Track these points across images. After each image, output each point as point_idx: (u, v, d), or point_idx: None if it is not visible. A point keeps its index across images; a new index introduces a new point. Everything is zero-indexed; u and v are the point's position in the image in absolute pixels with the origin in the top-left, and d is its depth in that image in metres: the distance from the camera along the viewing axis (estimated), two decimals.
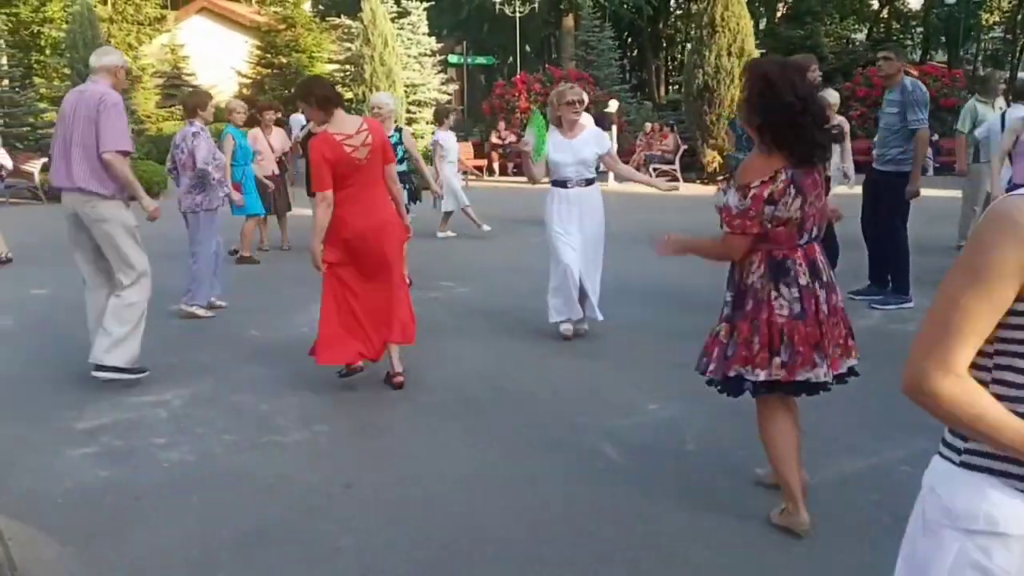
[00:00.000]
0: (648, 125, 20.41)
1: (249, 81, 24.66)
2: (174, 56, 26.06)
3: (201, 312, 6.85)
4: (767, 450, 3.30)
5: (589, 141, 5.93)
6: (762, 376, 3.08)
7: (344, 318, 4.94)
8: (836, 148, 9.63)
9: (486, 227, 11.31)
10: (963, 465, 1.52)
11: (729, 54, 16.86)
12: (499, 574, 3.09)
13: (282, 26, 24.72)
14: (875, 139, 7.05)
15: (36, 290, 8.20)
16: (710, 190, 15.84)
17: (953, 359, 1.44)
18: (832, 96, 6.96)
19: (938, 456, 1.57)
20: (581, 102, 5.89)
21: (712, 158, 17.63)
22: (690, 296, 6.91)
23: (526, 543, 3.27)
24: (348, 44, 22.80)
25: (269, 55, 24.37)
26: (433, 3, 24.57)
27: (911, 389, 1.48)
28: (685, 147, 18.71)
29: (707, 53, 16.88)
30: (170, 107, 23.14)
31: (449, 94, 24.50)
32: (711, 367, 3.21)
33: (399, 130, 8.11)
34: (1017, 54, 36.89)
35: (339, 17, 25.21)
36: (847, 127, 6.81)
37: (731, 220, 3.04)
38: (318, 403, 4.87)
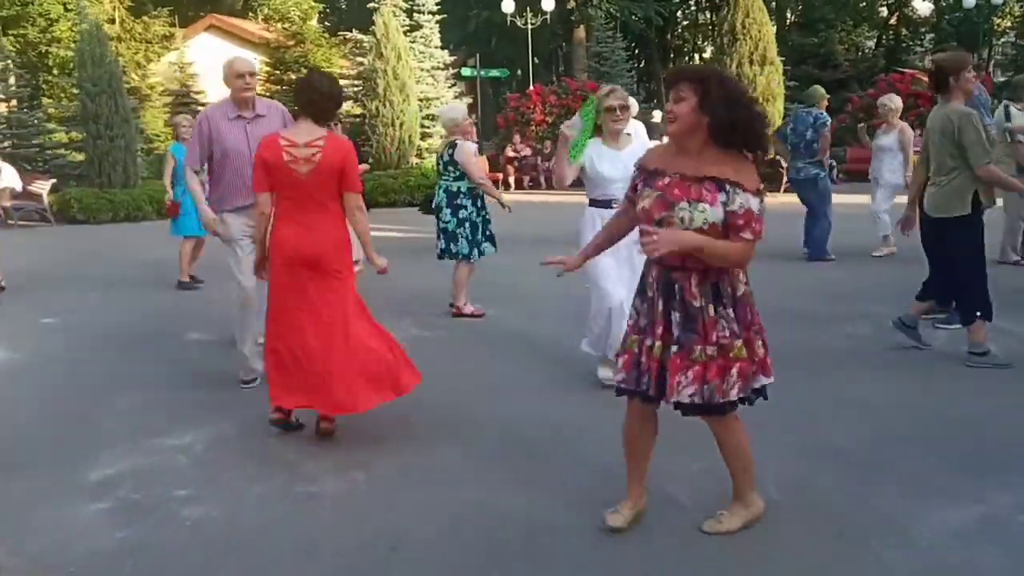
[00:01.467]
0: (665, 137, 20.05)
1: None
2: (183, 74, 25.83)
3: None
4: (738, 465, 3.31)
5: (639, 155, 5.25)
6: (764, 381, 3.16)
7: (287, 350, 4.39)
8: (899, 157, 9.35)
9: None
10: None
11: (751, 62, 16.51)
12: None
13: (291, 42, 24.51)
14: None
15: (46, 319, 7.84)
16: None
17: None
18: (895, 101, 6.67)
19: None
20: (625, 107, 5.00)
21: None
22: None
23: None
24: (360, 59, 22.50)
25: (278, 71, 24.13)
26: (442, 18, 24.28)
27: None
28: None
29: (728, 62, 16.53)
30: None
31: None
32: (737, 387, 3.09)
33: (454, 145, 7.34)
34: None
35: (350, 32, 24.94)
36: (910, 133, 6.50)
37: (759, 226, 2.99)
38: (352, 444, 4.44)
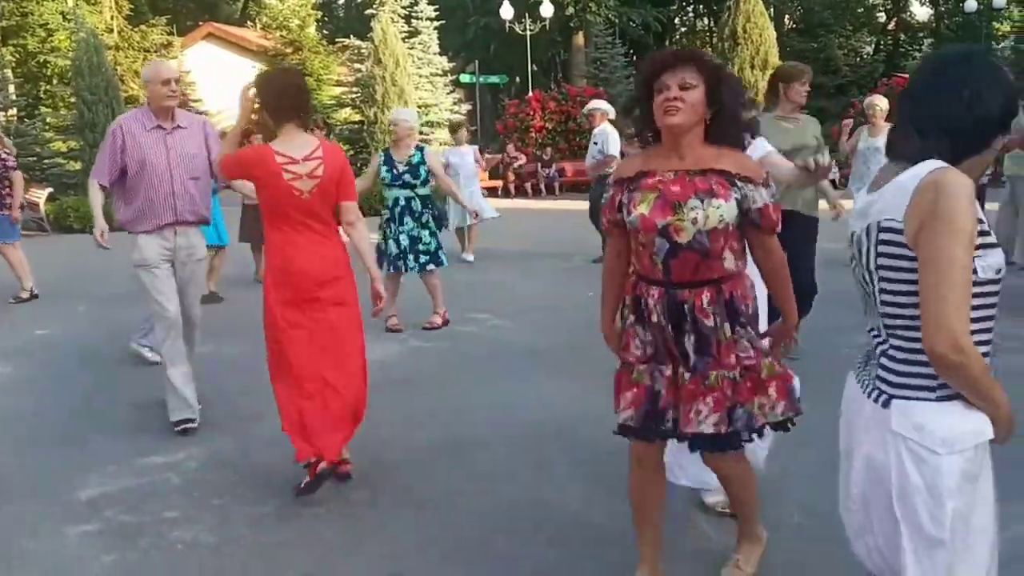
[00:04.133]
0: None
1: (257, 106, 24.22)
2: (181, 82, 25.66)
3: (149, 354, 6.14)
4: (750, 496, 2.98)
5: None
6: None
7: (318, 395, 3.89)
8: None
9: (470, 257, 10.90)
10: (940, 399, 1.79)
11: (752, 66, 16.40)
12: None
13: (289, 50, 24.41)
14: None
15: (40, 330, 7.67)
16: None
17: (967, 317, 1.70)
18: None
19: (905, 401, 1.82)
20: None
21: None
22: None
23: None
24: (358, 65, 22.39)
25: None
26: (440, 24, 24.20)
27: (947, 349, 1.68)
28: None
29: (730, 67, 16.41)
30: None
31: (462, 114, 24.07)
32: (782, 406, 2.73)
33: (421, 149, 7.10)
34: None
35: (348, 38, 24.84)
36: None
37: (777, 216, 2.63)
38: (353, 464, 4.26)
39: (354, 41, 23.64)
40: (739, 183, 2.56)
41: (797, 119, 5.60)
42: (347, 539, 3.53)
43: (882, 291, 1.87)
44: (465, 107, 25.27)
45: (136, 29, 25.88)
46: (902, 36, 41.24)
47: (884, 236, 1.82)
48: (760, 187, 2.57)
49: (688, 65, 2.56)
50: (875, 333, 1.94)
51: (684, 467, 3.39)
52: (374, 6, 23.10)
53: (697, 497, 3.61)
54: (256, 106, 4.09)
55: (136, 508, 3.85)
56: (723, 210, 2.53)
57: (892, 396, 1.85)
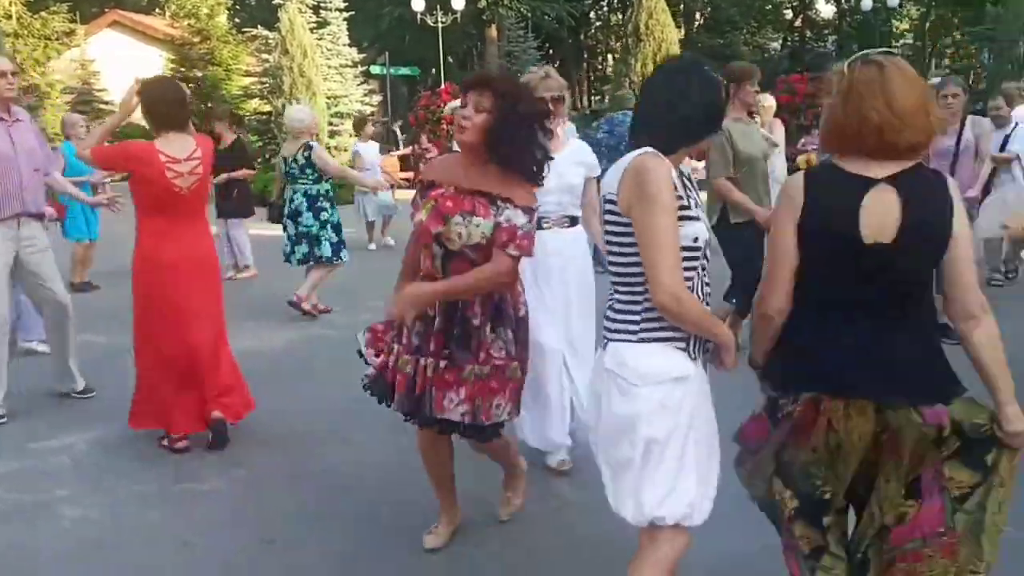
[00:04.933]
0: None
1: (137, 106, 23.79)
2: (84, 71, 25.12)
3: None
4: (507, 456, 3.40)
5: (575, 158, 3.98)
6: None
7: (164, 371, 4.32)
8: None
9: (372, 246, 11.41)
10: (641, 340, 2.18)
11: (655, 62, 16.91)
12: None
13: (196, 39, 24.05)
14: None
15: None
16: None
17: (680, 273, 2.10)
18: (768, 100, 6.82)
19: (611, 343, 2.23)
20: (560, 100, 3.90)
21: None
22: None
23: None
24: (265, 56, 22.24)
25: (184, 69, 23.60)
26: (352, 14, 24.13)
27: (668, 300, 2.08)
28: None
29: (633, 62, 16.92)
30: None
31: (373, 106, 24.09)
32: (508, 409, 3.08)
33: (310, 147, 7.25)
34: (926, 60, 38.09)
35: (256, 28, 24.60)
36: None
37: (525, 243, 2.85)
38: (237, 444, 4.49)
39: (262, 31, 23.44)
40: (500, 203, 2.83)
41: (751, 121, 5.59)
42: (225, 512, 3.79)
43: (610, 253, 2.25)
44: (377, 98, 25.29)
45: (36, 16, 25.15)
46: (808, 33, 42.66)
47: (607, 207, 2.21)
48: (517, 210, 2.82)
49: (485, 89, 2.83)
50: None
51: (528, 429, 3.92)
52: None
53: (542, 461, 3.99)
54: (136, 106, 4.31)
55: (29, 487, 4.03)
56: (483, 227, 2.82)
57: (608, 340, 2.24)
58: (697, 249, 2.19)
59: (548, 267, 3.84)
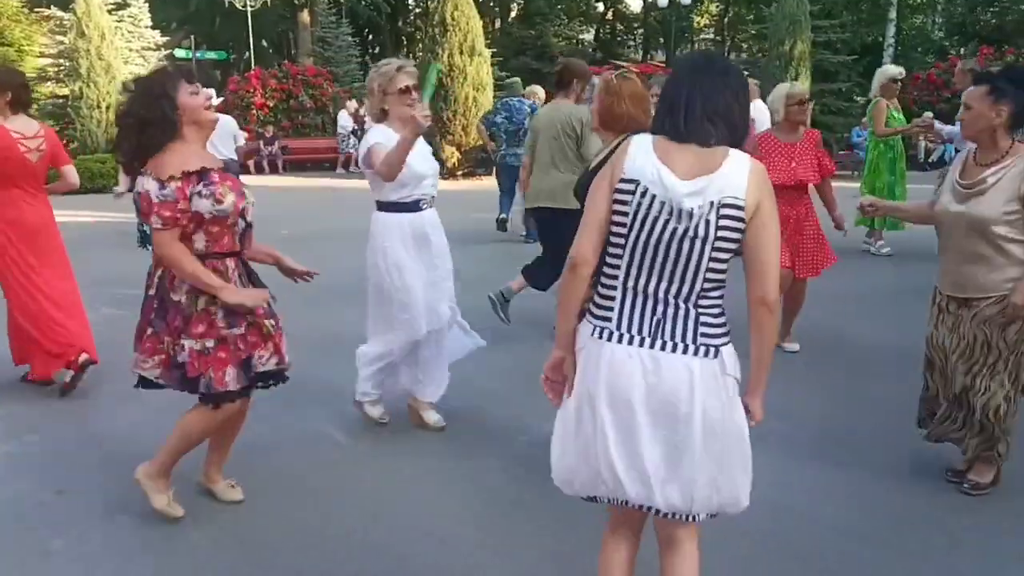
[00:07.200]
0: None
1: None
2: None
3: None
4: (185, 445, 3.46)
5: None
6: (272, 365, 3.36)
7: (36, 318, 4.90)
8: None
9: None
10: (730, 341, 2.21)
11: (461, 52, 17.41)
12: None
13: None
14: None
15: None
16: (451, 185, 16.31)
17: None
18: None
19: (722, 348, 2.18)
20: (418, 87, 4.07)
21: (451, 154, 18.09)
22: None
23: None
24: (60, 38, 21.21)
25: None
26: None
27: (776, 299, 2.14)
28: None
29: (440, 52, 17.33)
30: None
31: None
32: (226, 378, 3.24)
33: None
34: (727, 54, 40.77)
35: (49, 8, 23.37)
36: None
37: (164, 212, 3.07)
38: (29, 413, 4.65)
39: (56, 12, 22.32)
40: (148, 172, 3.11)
41: None
42: (16, 469, 4.00)
43: (713, 260, 2.22)
44: None
45: None
46: (619, 26, 44.56)
47: (725, 211, 2.14)
48: (148, 178, 3.06)
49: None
50: None
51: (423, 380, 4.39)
52: None
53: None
54: None
55: None
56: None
57: (713, 346, 2.21)
58: None
59: (427, 250, 4.19)
